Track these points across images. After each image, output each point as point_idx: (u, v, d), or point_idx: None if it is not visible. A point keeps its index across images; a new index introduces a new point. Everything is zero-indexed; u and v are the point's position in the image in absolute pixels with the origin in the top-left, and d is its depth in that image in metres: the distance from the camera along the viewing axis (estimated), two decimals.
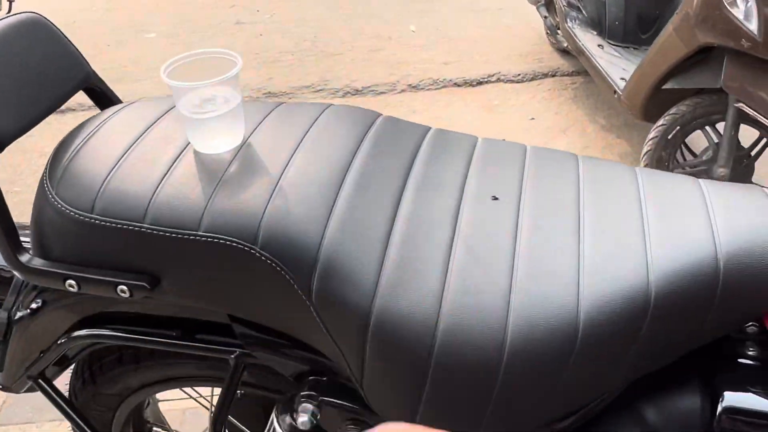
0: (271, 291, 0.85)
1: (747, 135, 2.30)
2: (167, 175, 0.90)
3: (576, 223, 0.88)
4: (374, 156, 0.96)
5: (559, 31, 3.30)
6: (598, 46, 2.92)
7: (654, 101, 2.44)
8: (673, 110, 2.36)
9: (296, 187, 0.89)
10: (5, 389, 1.11)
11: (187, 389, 1.38)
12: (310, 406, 0.92)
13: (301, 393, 0.93)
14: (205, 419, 1.83)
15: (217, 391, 1.20)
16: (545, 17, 3.50)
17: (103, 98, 1.12)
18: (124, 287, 0.88)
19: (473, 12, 4.21)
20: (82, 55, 1.07)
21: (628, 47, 2.95)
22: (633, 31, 3.00)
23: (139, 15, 4.35)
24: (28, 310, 1.02)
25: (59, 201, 0.89)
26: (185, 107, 0.91)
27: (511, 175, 0.96)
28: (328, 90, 3.50)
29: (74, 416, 1.13)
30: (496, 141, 1.04)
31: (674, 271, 0.81)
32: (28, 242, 0.95)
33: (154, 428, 1.40)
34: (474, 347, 0.79)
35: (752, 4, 1.97)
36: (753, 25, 1.97)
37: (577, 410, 0.84)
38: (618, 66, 2.75)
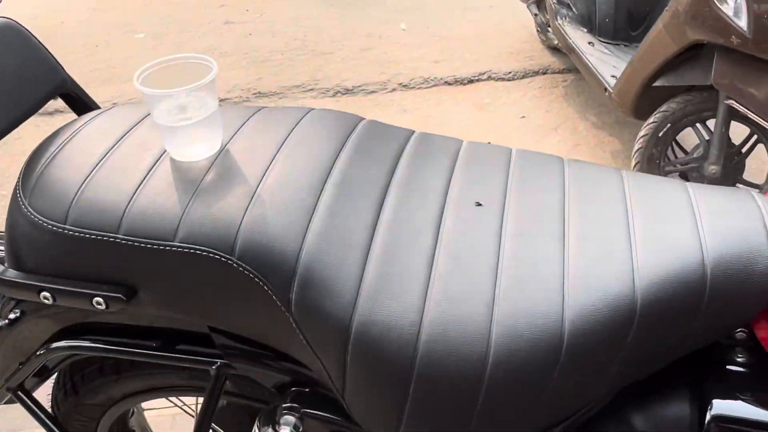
0: (250, 302, 0.83)
1: (738, 132, 2.29)
2: (142, 184, 0.88)
3: (561, 229, 0.87)
4: (356, 161, 0.94)
5: (549, 29, 3.29)
6: (589, 43, 2.91)
7: (645, 99, 2.43)
8: (663, 107, 2.35)
9: (275, 195, 0.87)
10: None
11: (172, 398, 1.37)
12: (292, 419, 0.90)
13: (283, 405, 0.91)
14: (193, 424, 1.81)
15: (201, 399, 1.18)
16: (536, 15, 3.48)
17: (80, 104, 1.10)
18: (100, 299, 0.86)
19: (464, 10, 4.18)
20: (57, 61, 1.06)
21: (618, 44, 2.94)
22: (623, 28, 2.99)
23: (128, 15, 4.31)
24: (6, 321, 1.00)
25: (32, 211, 0.87)
26: (160, 115, 0.89)
27: (496, 180, 0.94)
28: (319, 89, 3.47)
29: (53, 427, 1.11)
30: (481, 144, 1.02)
31: (660, 277, 0.79)
32: (2, 252, 0.93)
33: None
34: (457, 358, 0.77)
35: (741, 0, 1.96)
36: (742, 22, 1.96)
37: (563, 420, 0.83)
38: (608, 63, 2.74)
